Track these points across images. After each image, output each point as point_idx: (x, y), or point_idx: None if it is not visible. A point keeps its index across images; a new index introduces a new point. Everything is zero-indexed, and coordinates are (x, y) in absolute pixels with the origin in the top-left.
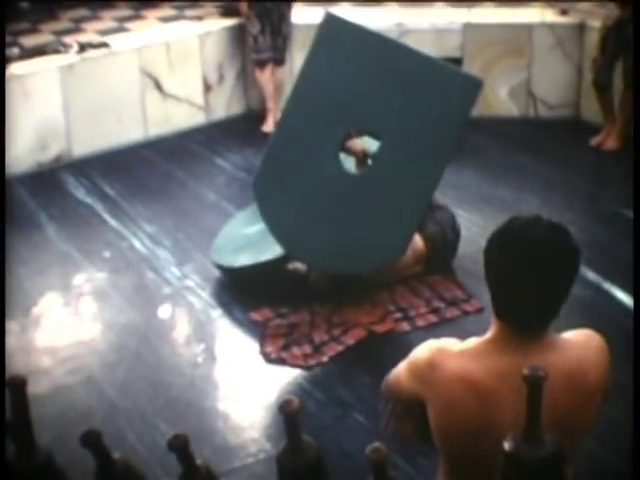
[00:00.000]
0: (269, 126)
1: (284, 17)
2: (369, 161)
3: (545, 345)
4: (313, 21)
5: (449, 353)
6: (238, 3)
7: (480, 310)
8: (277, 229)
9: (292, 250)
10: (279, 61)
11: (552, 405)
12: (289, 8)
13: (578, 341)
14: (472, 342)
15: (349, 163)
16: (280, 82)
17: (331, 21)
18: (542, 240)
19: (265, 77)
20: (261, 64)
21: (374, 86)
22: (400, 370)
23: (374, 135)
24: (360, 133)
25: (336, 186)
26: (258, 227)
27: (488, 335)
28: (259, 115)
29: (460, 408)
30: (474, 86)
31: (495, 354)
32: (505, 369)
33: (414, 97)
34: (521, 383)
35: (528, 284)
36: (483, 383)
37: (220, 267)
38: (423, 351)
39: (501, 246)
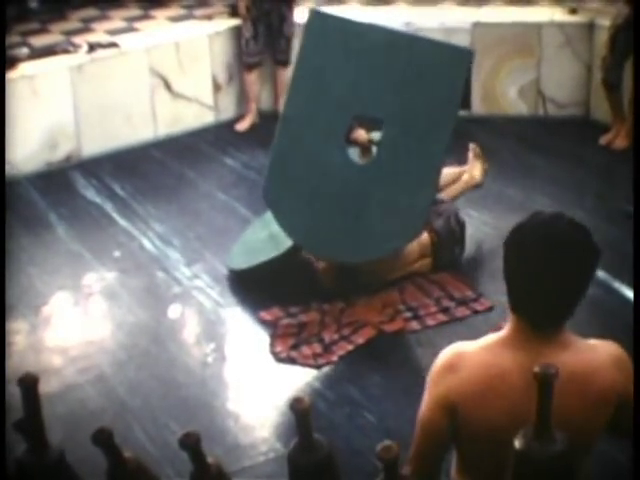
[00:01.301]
0: (243, 126)
1: (285, 18)
2: (374, 149)
3: (559, 344)
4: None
5: (465, 354)
6: (237, 3)
7: (490, 309)
8: (294, 231)
9: (313, 250)
10: (283, 62)
11: (560, 405)
12: (290, 9)
13: (595, 346)
14: (487, 340)
15: (354, 154)
16: (285, 83)
17: (316, 17)
18: (561, 236)
19: (251, 79)
20: (249, 67)
21: (368, 74)
22: (423, 402)
23: (375, 122)
24: (362, 124)
25: (346, 178)
26: (270, 230)
27: (503, 332)
28: (267, 115)
29: (480, 404)
30: (465, 56)
31: (509, 351)
32: (518, 366)
33: (408, 78)
34: (530, 380)
35: (544, 279)
36: (499, 380)
37: (234, 271)
38: (438, 360)
39: (520, 240)
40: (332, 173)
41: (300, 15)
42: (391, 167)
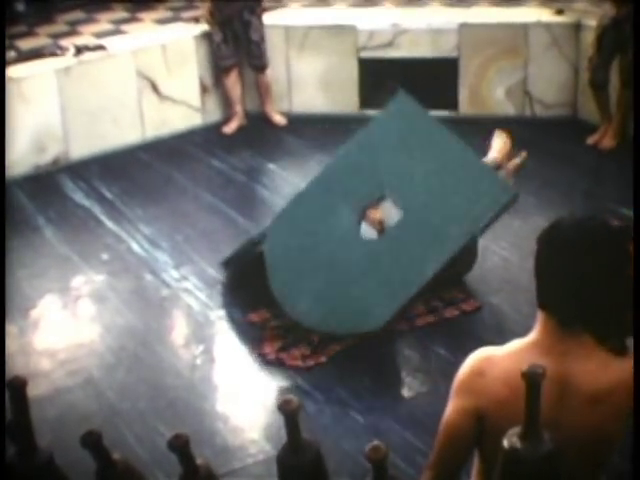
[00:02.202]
0: (230, 128)
1: (249, 24)
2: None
3: (584, 351)
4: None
5: (494, 358)
6: (202, 10)
7: (478, 309)
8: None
9: (312, 324)
10: (259, 68)
11: (579, 415)
12: (254, 14)
13: (622, 363)
14: (516, 344)
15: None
16: (267, 86)
17: (402, 101)
18: (598, 235)
19: (230, 82)
20: (225, 70)
21: (413, 164)
22: (449, 407)
23: (396, 206)
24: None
25: (349, 251)
26: None
27: (531, 336)
28: (255, 117)
29: (509, 411)
30: (506, 194)
31: (537, 356)
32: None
33: (447, 185)
34: (553, 385)
35: (578, 275)
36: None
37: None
38: (467, 365)
39: (555, 234)
40: (340, 245)
41: (269, 19)
42: (388, 254)
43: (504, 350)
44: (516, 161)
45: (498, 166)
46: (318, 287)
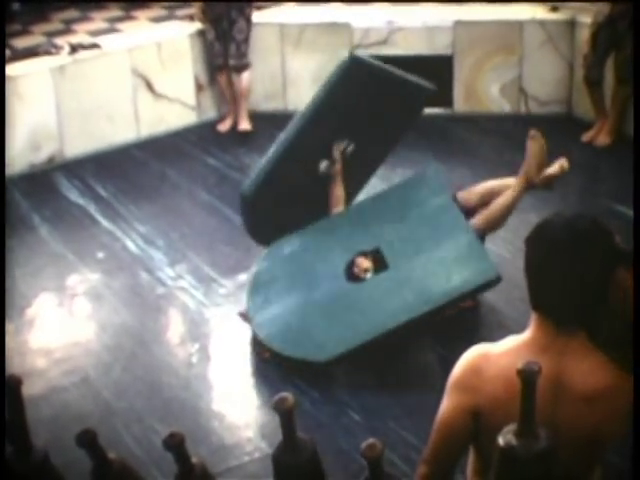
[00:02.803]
0: (224, 126)
1: (234, 22)
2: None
3: (579, 350)
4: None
5: (490, 356)
6: (194, 9)
7: (474, 306)
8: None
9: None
10: (235, 68)
11: (573, 416)
12: (241, 13)
13: (612, 362)
14: (510, 342)
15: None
16: (244, 89)
17: (431, 173)
18: (587, 233)
19: (224, 80)
20: (219, 68)
21: (412, 229)
22: (444, 404)
23: (388, 261)
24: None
25: (327, 286)
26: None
27: (527, 334)
28: (250, 115)
29: (505, 408)
30: (489, 274)
31: (533, 354)
32: (542, 370)
33: (437, 253)
34: (548, 384)
35: (568, 274)
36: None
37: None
38: (463, 362)
39: (546, 236)
40: (321, 280)
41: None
42: (357, 298)
43: (500, 347)
44: (552, 170)
45: (530, 183)
46: (287, 307)
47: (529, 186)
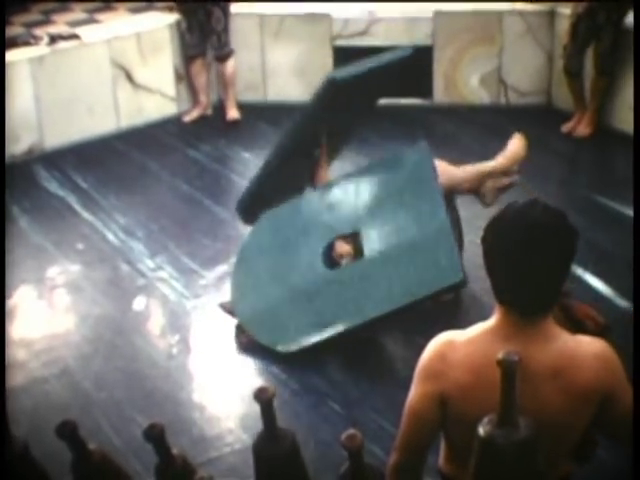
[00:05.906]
0: (191, 116)
1: (211, 13)
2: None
3: (547, 336)
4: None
5: (455, 343)
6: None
7: (455, 297)
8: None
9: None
10: (219, 58)
11: (543, 398)
12: (217, 4)
13: (581, 341)
14: (476, 330)
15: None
16: (230, 77)
17: (418, 152)
18: (539, 223)
19: (194, 71)
20: (190, 58)
21: (390, 215)
22: (412, 392)
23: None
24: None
25: (303, 273)
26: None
27: (491, 322)
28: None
29: (470, 396)
30: (456, 276)
31: (499, 342)
32: None
33: (410, 246)
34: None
35: (527, 267)
36: (489, 371)
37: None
38: (428, 349)
39: (499, 231)
40: (298, 267)
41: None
42: (337, 284)
43: (466, 335)
44: (507, 180)
45: (502, 172)
46: (265, 291)
47: (490, 175)
